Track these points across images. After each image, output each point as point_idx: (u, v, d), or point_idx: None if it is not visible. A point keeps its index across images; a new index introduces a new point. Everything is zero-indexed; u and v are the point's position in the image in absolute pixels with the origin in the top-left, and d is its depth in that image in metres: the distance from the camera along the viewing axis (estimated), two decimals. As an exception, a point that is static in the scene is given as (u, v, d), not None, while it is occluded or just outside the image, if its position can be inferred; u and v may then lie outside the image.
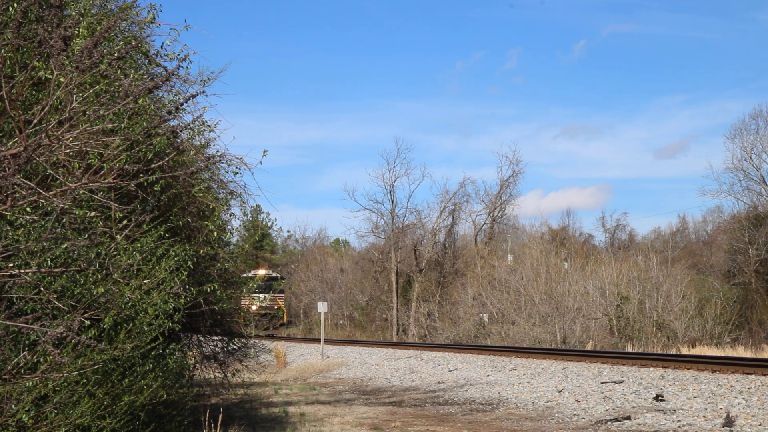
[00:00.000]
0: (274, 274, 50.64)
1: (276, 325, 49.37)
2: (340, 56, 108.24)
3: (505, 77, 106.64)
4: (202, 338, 11.80)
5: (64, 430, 5.29)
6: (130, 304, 6.13)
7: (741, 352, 24.75)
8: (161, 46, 8.38)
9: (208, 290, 8.79)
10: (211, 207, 9.05)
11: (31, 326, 4.45)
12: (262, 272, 46.52)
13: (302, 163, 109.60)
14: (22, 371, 4.99)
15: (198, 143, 9.21)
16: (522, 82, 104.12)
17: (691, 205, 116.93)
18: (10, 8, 5.74)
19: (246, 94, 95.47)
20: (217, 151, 9.51)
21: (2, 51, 5.21)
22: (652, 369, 15.78)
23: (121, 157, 5.81)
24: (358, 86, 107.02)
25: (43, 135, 4.46)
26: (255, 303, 42.50)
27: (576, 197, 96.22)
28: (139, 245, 6.53)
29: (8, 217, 4.86)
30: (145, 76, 7.81)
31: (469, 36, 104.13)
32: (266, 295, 45.90)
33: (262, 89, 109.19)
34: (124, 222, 6.50)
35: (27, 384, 4.95)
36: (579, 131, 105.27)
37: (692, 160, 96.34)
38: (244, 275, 39.66)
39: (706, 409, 11.12)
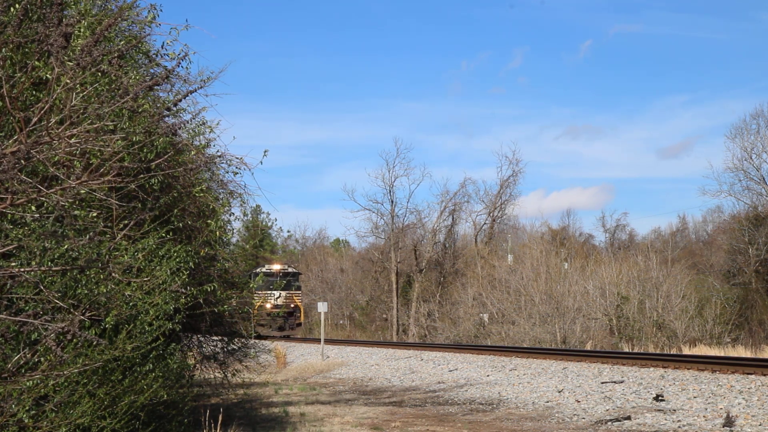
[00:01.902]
0: (290, 269, 44.83)
1: (293, 324, 43.97)
2: (342, 56, 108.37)
3: (509, 77, 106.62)
4: (202, 338, 11.80)
5: (64, 429, 5.28)
6: (131, 304, 6.13)
7: (741, 352, 24.74)
8: (161, 46, 8.36)
9: (208, 290, 8.78)
10: (211, 207, 9.04)
11: (33, 321, 4.45)
12: (276, 267, 42.94)
13: (304, 164, 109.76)
14: (23, 370, 4.99)
15: (198, 143, 9.20)
16: (525, 82, 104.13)
17: (692, 205, 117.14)
18: (12, 9, 5.73)
19: (247, 94, 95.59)
20: (218, 151, 9.52)
21: (3, 50, 5.21)
22: (652, 369, 15.77)
23: (122, 155, 5.81)
24: (361, 86, 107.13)
25: (44, 133, 4.46)
26: (268, 301, 39.68)
27: (578, 197, 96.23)
28: (140, 245, 6.53)
29: (9, 216, 4.85)
30: (146, 76, 7.80)
31: (475, 36, 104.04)
32: (281, 293, 41.08)
33: (263, 89, 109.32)
34: (125, 222, 6.49)
35: (27, 383, 4.95)
36: (581, 131, 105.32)
37: (693, 160, 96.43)
38: (257, 270, 37.53)
39: (706, 409, 11.12)
